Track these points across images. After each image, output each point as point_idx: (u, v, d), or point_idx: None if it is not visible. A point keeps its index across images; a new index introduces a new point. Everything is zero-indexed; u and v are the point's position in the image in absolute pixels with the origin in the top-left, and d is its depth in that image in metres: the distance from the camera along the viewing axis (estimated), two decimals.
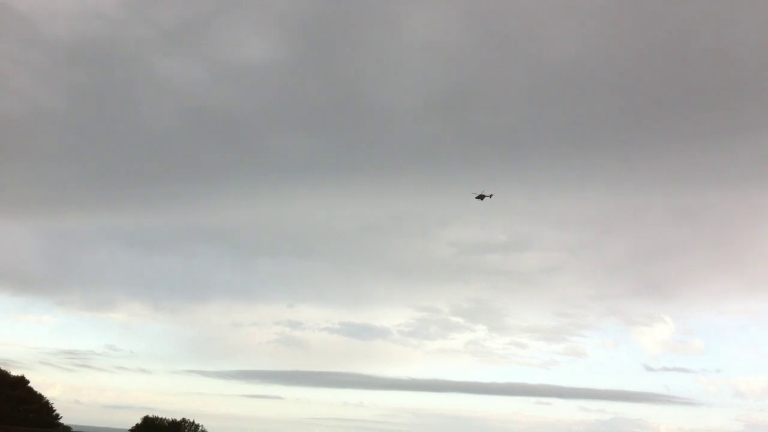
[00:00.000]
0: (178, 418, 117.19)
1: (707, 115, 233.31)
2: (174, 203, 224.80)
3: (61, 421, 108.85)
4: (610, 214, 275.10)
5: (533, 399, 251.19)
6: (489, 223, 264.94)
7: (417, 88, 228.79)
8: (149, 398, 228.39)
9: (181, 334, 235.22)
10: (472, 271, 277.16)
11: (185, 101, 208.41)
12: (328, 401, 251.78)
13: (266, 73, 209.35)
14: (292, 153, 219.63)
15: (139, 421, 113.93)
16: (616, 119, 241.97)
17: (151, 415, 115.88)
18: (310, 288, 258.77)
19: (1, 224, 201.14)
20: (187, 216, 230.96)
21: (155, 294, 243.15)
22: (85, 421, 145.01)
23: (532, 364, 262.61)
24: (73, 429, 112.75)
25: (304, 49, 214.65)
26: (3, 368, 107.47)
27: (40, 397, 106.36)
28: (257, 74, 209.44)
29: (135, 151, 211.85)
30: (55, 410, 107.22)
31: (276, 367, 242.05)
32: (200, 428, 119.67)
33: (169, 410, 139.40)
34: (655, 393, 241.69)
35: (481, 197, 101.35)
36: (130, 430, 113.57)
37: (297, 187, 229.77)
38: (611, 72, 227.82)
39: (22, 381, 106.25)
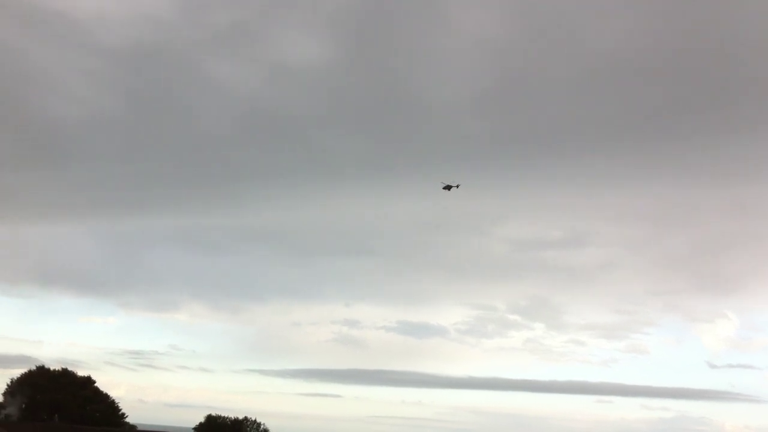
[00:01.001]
0: (240, 417, 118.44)
1: None
2: (231, 204, 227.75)
3: (127, 420, 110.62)
4: (669, 208, 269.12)
5: (593, 397, 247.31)
6: (544, 219, 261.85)
7: (467, 83, 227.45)
8: (211, 397, 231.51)
9: (240, 333, 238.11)
10: (528, 268, 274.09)
11: (238, 103, 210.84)
12: (387, 399, 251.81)
13: (316, 74, 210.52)
14: (344, 152, 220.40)
15: (202, 419, 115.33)
16: (671, 110, 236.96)
17: (213, 414, 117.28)
18: (366, 287, 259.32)
19: (64, 228, 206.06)
20: (244, 217, 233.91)
21: (215, 294, 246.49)
22: (150, 419, 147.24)
23: (591, 361, 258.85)
24: (138, 428, 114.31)
25: (354, 48, 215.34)
26: (70, 369, 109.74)
27: (106, 396, 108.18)
28: (307, 75, 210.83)
29: (191, 153, 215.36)
30: (120, 409, 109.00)
31: (334, 365, 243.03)
32: (261, 426, 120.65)
33: (231, 409, 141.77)
34: (720, 390, 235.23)
35: (448, 187, 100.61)
36: (194, 428, 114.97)
37: (349, 186, 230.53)
38: (662, 62, 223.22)
39: (88, 381, 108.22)
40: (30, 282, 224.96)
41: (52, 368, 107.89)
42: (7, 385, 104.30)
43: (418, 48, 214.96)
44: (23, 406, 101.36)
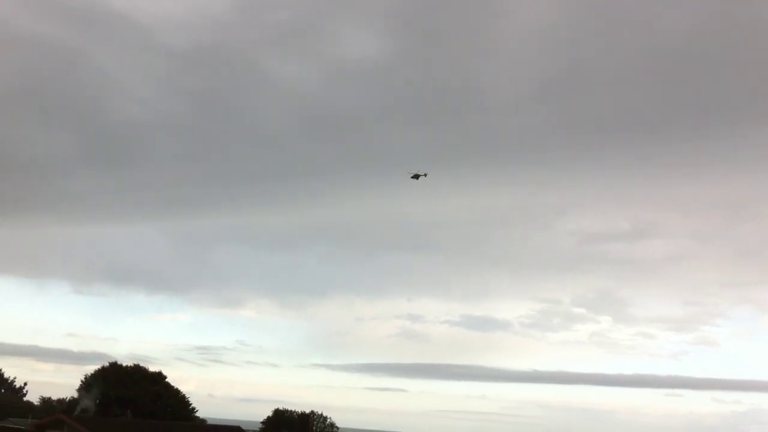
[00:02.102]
0: (307, 411, 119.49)
1: None
2: (294, 201, 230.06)
3: (197, 414, 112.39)
4: (738, 198, 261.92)
5: (663, 391, 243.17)
6: (610, 211, 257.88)
7: (526, 75, 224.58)
8: (278, 391, 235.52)
9: (306, 329, 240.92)
10: (593, 261, 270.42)
11: (298, 100, 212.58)
12: (452, 394, 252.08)
13: (374, 69, 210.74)
14: (404, 146, 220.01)
15: (269, 413, 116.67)
16: (741, 96, 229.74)
17: (281, 408, 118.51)
18: (429, 281, 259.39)
19: (134, 228, 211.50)
20: (307, 214, 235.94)
21: (280, 291, 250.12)
22: (219, 414, 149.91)
23: (660, 354, 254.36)
24: (208, 422, 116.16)
25: (411, 41, 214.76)
26: (142, 365, 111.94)
27: (176, 391, 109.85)
28: (366, 70, 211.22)
29: (253, 152, 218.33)
30: (191, 404, 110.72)
31: (399, 359, 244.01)
32: (328, 420, 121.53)
33: (297, 403, 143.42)
34: None
35: (416, 176, 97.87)
36: (262, 422, 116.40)
37: (410, 181, 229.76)
38: (731, 48, 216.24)
39: (159, 376, 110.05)
40: (103, 281, 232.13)
41: (124, 364, 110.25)
42: (82, 381, 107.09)
43: (477, 39, 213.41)
44: (97, 401, 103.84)
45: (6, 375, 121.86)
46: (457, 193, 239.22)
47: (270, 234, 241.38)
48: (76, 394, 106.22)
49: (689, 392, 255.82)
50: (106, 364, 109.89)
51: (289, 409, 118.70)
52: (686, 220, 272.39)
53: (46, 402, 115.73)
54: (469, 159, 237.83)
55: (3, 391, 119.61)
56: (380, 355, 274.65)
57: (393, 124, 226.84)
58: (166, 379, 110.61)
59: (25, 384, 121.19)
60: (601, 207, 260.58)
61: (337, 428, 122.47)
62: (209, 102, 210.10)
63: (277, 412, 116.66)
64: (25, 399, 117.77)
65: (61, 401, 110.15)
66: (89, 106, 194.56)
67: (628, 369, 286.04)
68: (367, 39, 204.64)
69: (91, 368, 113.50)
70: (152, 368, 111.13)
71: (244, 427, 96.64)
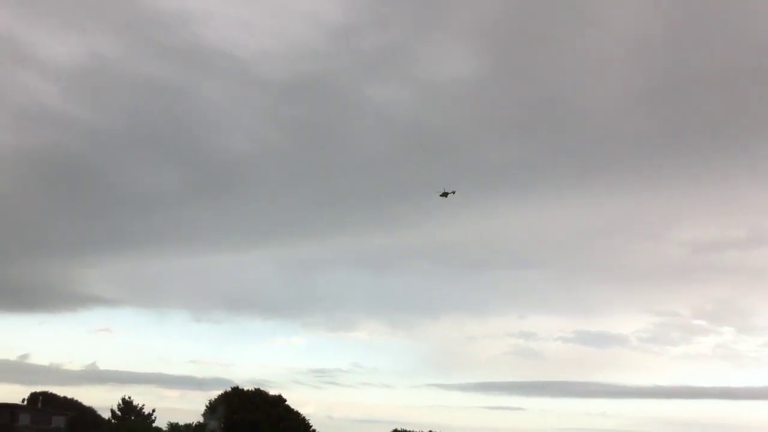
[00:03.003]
0: (425, 431, 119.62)
1: None
2: (399, 222, 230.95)
3: None
4: None
5: None
6: (723, 218, 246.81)
7: (622, 83, 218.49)
8: (394, 412, 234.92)
9: (418, 349, 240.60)
10: (710, 271, 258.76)
11: (395, 123, 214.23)
12: (570, 411, 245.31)
13: (468, 87, 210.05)
14: (501, 163, 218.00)
15: None
16: None
17: (398, 429, 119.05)
18: (538, 298, 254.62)
19: (246, 256, 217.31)
20: (411, 235, 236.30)
21: (390, 312, 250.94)
22: None
23: None
24: None
25: (502, 57, 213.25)
26: (262, 388, 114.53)
27: (297, 414, 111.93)
28: (460, 89, 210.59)
29: (355, 176, 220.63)
30: (311, 426, 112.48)
31: (514, 378, 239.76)
32: None
33: (414, 422, 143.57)
34: None
35: (444, 194, 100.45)
36: None
37: (509, 196, 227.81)
38: None
39: (280, 400, 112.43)
40: (219, 308, 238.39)
41: (245, 388, 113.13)
42: (206, 406, 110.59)
43: (569, 49, 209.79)
44: (222, 425, 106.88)
45: (135, 402, 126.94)
46: (560, 205, 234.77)
47: (376, 255, 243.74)
48: (201, 419, 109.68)
49: None
50: (229, 388, 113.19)
51: (407, 429, 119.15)
52: None
53: (174, 428, 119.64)
54: (570, 170, 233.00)
55: (133, 418, 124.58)
56: (495, 374, 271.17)
57: (491, 141, 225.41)
58: (286, 402, 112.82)
59: (153, 410, 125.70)
60: (715, 214, 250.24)
61: None
62: (309, 129, 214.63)
63: None
64: (154, 425, 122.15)
65: (188, 426, 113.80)
66: (195, 141, 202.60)
67: (756, 381, 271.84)
68: (459, 58, 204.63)
69: (214, 393, 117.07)
70: (271, 392, 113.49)
71: None
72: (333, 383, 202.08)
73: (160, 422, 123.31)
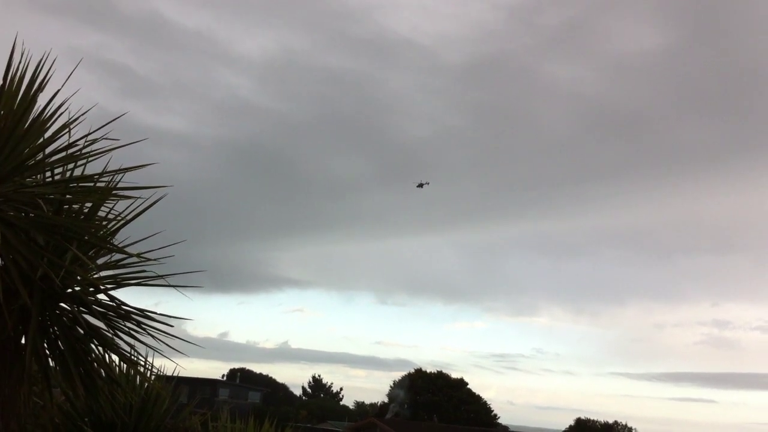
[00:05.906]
0: (610, 421, 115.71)
1: None
2: (583, 205, 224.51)
3: (499, 421, 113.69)
4: None
5: None
6: None
7: None
8: (576, 400, 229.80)
9: (602, 336, 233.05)
10: None
11: (579, 102, 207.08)
12: (767, 405, 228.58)
13: (654, 61, 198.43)
14: (696, 141, 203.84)
15: (570, 422, 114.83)
16: None
17: (582, 417, 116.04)
18: (734, 285, 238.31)
19: (425, 240, 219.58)
20: (595, 218, 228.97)
21: (573, 298, 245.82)
22: (520, 421, 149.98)
23: None
24: (510, 429, 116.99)
25: (688, 29, 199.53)
26: (444, 371, 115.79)
27: (478, 398, 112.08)
28: (645, 64, 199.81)
29: (538, 158, 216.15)
30: (492, 410, 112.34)
31: (705, 368, 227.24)
32: (633, 431, 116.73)
33: (598, 412, 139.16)
34: None
35: (420, 186, 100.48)
36: (564, 431, 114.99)
37: (704, 178, 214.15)
38: None
39: (461, 383, 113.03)
40: (402, 291, 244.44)
41: (428, 371, 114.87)
42: (390, 386, 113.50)
43: (760, 13, 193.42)
44: (405, 406, 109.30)
45: (324, 381, 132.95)
46: (764, 183, 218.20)
47: (559, 240, 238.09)
48: (386, 399, 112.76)
49: None
50: (412, 370, 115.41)
51: (591, 418, 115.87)
52: None
53: (360, 406, 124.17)
54: None
55: (322, 395, 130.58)
56: (684, 364, 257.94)
57: (681, 118, 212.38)
58: (468, 386, 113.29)
59: (341, 389, 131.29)
60: None
61: None
62: (492, 112, 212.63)
63: (579, 421, 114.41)
64: (341, 403, 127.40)
65: (373, 405, 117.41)
66: (380, 128, 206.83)
67: None
68: (642, 31, 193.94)
69: (397, 374, 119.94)
70: (453, 375, 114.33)
71: None
72: (514, 368, 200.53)
73: (347, 401, 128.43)
